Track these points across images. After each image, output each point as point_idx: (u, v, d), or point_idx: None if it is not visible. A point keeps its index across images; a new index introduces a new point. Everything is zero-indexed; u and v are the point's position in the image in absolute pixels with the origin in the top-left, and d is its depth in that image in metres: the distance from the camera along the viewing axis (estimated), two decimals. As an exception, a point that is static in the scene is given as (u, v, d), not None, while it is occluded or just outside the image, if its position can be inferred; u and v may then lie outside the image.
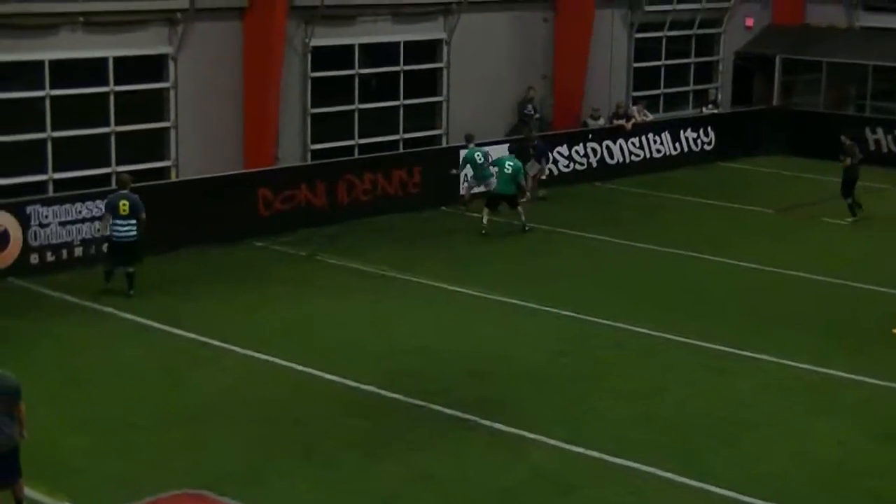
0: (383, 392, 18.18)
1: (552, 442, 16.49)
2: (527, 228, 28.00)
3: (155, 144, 27.75)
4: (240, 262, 25.35)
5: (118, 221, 22.48)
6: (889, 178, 34.18)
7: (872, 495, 15.21)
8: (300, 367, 19.06)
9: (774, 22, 41.56)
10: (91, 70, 26.45)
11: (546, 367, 19.51)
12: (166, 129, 27.78)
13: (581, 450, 16.24)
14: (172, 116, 27.71)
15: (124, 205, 22.45)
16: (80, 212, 24.39)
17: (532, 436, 16.67)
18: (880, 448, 16.63)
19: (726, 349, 20.42)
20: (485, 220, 27.80)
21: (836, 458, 16.29)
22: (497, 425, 17.01)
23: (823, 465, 16.07)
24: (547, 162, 31.87)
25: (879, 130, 37.11)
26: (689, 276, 24.99)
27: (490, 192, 28.74)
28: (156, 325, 21.08)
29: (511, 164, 28.27)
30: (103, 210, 23.07)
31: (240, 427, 16.76)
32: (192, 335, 20.54)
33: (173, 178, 27.61)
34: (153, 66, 27.52)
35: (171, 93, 27.64)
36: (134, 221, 22.48)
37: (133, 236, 22.58)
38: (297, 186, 27.83)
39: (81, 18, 25.94)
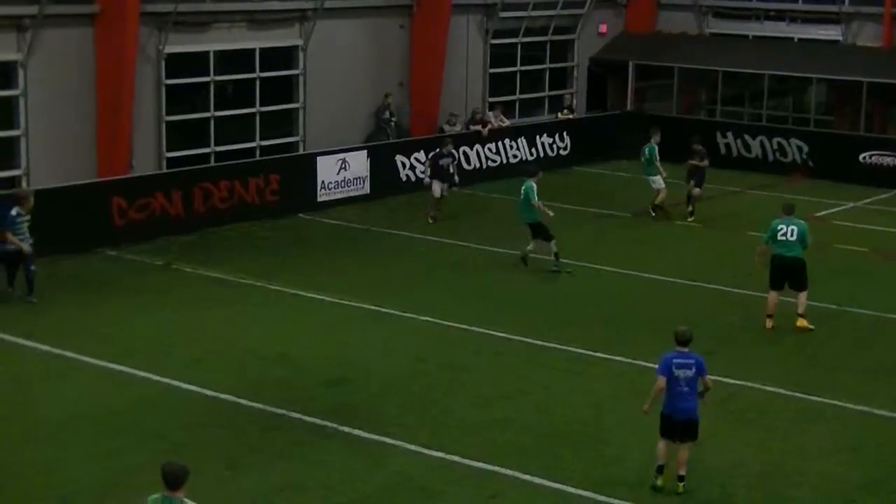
0: (243, 401, 18.03)
1: (412, 447, 16.51)
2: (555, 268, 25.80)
3: (4, 153, 27.19)
4: (94, 272, 24.94)
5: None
6: (740, 181, 34.89)
7: (724, 492, 15.46)
8: (158, 378, 18.82)
9: (627, 29, 42.21)
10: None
11: (405, 373, 19.53)
12: (16, 138, 27.23)
13: (441, 455, 16.29)
14: (22, 124, 27.17)
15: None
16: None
17: (392, 442, 16.68)
18: (733, 446, 16.93)
19: (584, 352, 20.65)
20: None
21: (693, 457, 16.52)
22: (357, 432, 16.99)
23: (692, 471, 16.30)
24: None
25: (729, 135, 37.89)
26: (547, 282, 25.20)
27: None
28: (7, 337, 20.63)
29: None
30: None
31: (95, 441, 16.48)
32: (45, 347, 20.15)
33: (24, 188, 27.04)
34: (2, 73, 26.96)
35: (21, 100, 27.10)
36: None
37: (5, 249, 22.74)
38: (153, 195, 27.48)
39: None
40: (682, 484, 15.31)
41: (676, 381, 15.03)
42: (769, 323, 22.29)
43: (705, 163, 31.07)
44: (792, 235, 22.15)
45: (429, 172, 30.61)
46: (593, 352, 20.62)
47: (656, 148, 30.97)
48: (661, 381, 15.08)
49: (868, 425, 17.94)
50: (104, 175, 27.85)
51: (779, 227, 22.24)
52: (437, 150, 30.74)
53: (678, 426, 15.19)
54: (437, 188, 30.14)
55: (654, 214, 30.88)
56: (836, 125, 38.28)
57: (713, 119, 39.76)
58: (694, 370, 15.03)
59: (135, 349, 20.16)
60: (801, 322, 22.19)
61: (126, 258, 25.88)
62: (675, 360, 15.10)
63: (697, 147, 31.32)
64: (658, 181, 30.89)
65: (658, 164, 30.84)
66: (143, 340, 20.71)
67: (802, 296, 22.28)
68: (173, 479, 11.36)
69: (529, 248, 25.86)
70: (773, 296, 22.35)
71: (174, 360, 19.75)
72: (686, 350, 15.20)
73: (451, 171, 30.50)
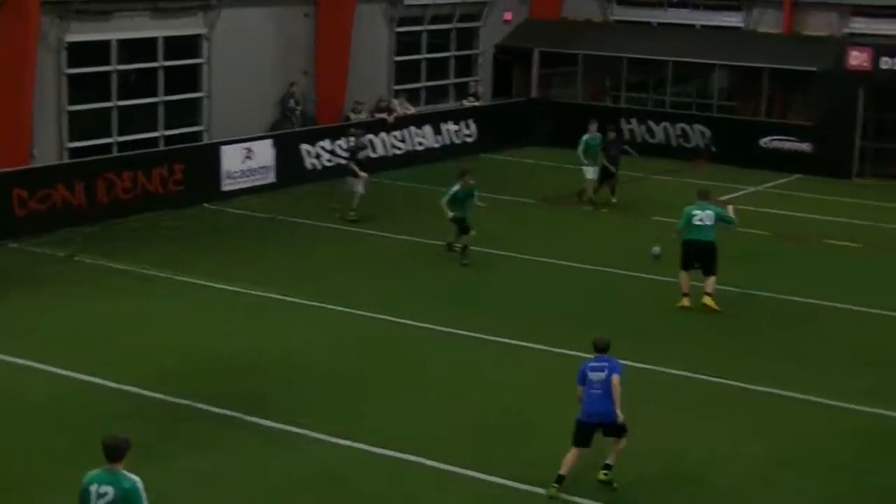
0: (152, 393, 17.86)
1: (323, 437, 16.45)
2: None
3: None
4: (-5, 265, 24.57)
5: None
6: (645, 166, 35.15)
7: (638, 473, 15.61)
8: (62, 372, 18.57)
9: (532, 16, 42.33)
10: None
11: (316, 363, 19.45)
12: (-87, 129, 26.74)
13: (352, 444, 16.25)
14: (-82, 115, 26.68)
15: None
16: None
17: (303, 432, 16.61)
18: (652, 428, 17.05)
19: (499, 339, 20.68)
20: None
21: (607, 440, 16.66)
22: (267, 422, 16.89)
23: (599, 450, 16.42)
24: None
25: (634, 121, 38.22)
26: (457, 269, 25.21)
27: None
28: None
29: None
30: None
31: (2, 437, 16.22)
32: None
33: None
34: None
35: (-83, 90, 26.62)
36: None
37: None
38: (54, 186, 27.08)
39: None
40: (607, 474, 15.20)
41: (590, 384, 15.00)
42: (686, 301, 22.56)
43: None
44: (708, 220, 22.45)
45: (352, 172, 29.15)
46: (509, 340, 20.67)
47: (598, 138, 31.17)
48: (579, 389, 15.08)
49: (779, 407, 18.19)
50: (4, 166, 27.36)
51: (693, 213, 22.56)
52: (353, 144, 30.15)
53: (591, 428, 15.01)
54: (360, 187, 29.12)
55: (582, 200, 31.12)
56: (738, 111, 38.73)
57: (618, 105, 40.02)
58: (606, 372, 14.97)
59: (39, 343, 19.86)
60: (708, 300, 22.47)
61: (28, 250, 25.49)
62: (589, 365, 15.11)
63: (613, 135, 31.86)
64: (590, 171, 30.99)
65: (597, 155, 31.02)
66: (48, 334, 20.43)
67: (712, 279, 22.63)
68: (113, 452, 11.34)
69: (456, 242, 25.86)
70: (685, 275, 22.63)
71: (80, 354, 19.48)
72: (604, 355, 15.17)
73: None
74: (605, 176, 31.43)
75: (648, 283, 24.17)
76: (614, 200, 31.17)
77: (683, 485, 15.45)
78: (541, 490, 14.96)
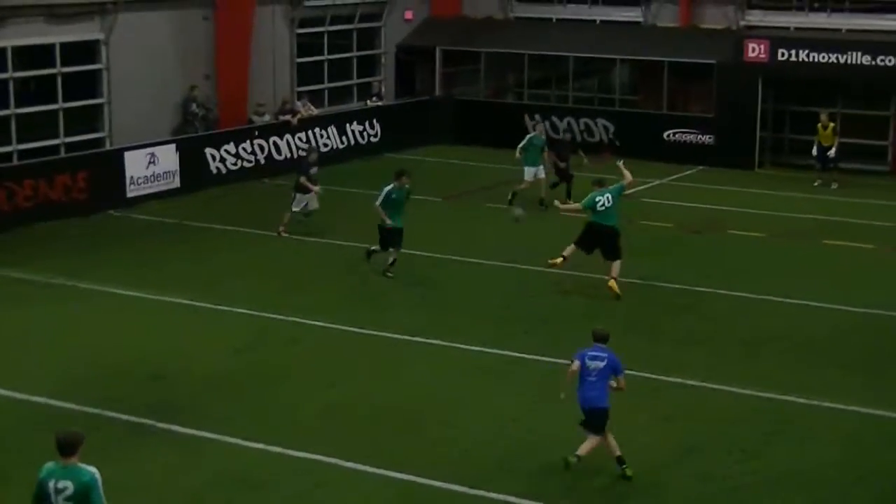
0: (57, 403, 17.66)
1: (235, 440, 16.39)
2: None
3: None
4: None
5: None
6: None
7: (543, 467, 15.71)
8: (-34, 384, 18.31)
9: (433, 14, 42.39)
10: None
11: (225, 366, 19.36)
12: None
13: (265, 446, 16.21)
14: None
15: None
16: None
17: (213, 436, 16.53)
18: (557, 420, 17.20)
19: (401, 337, 20.73)
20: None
21: (518, 434, 16.77)
22: (176, 428, 16.79)
23: (501, 443, 16.52)
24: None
25: (537, 117, 38.34)
26: (362, 268, 25.17)
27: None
28: None
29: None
30: None
31: None
32: None
33: None
34: None
35: None
36: None
37: None
38: None
39: None
40: (574, 460, 15.40)
41: (587, 371, 15.45)
42: (558, 261, 23.28)
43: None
44: (609, 203, 22.93)
45: (301, 188, 27.58)
46: (410, 336, 20.72)
47: (544, 139, 31.15)
48: (576, 364, 15.51)
49: (681, 395, 18.40)
50: None
51: (597, 199, 22.97)
52: (305, 160, 28.71)
53: (587, 414, 15.45)
54: (313, 203, 27.86)
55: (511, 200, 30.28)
56: (640, 104, 39.09)
57: (521, 102, 40.20)
58: (605, 363, 15.43)
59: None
60: (613, 284, 22.72)
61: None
62: (588, 354, 15.55)
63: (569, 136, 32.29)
64: (530, 172, 30.64)
65: (540, 156, 30.79)
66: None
67: (616, 264, 23.01)
68: (68, 447, 11.28)
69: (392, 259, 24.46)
70: (572, 248, 23.28)
71: (-16, 365, 19.23)
72: (602, 346, 15.60)
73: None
74: (562, 178, 30.94)
75: (555, 277, 24.28)
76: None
77: (595, 475, 15.57)
78: (457, 487, 15.03)
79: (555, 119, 38.29)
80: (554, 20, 41.76)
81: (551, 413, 17.43)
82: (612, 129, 37.54)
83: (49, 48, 30.99)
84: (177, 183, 31.50)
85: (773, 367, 19.60)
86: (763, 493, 15.23)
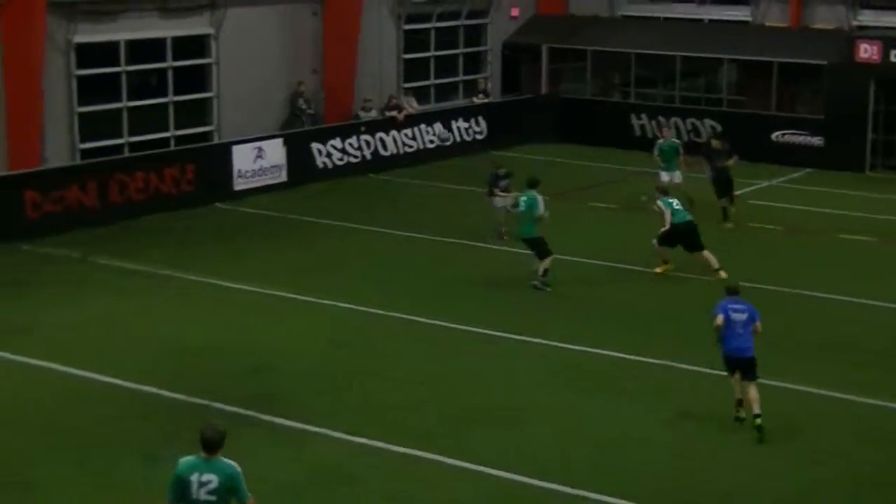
0: (163, 392, 17.94)
1: (333, 434, 16.53)
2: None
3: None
4: (7, 266, 24.62)
5: None
6: (653, 162, 35.06)
7: (637, 468, 15.65)
8: (76, 371, 18.65)
9: (539, 12, 42.31)
10: None
11: (325, 360, 19.52)
12: (-77, 132, 26.85)
13: (362, 440, 16.33)
14: (-69, 118, 26.79)
15: None
16: None
17: (313, 429, 16.68)
18: (652, 423, 17.14)
19: (497, 334, 20.75)
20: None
21: (610, 436, 16.72)
22: (277, 420, 16.97)
23: (597, 443, 16.48)
24: None
25: (643, 116, 38.15)
26: (463, 265, 25.24)
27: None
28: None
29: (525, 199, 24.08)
30: None
31: (13, 436, 16.30)
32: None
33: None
34: None
35: (-71, 93, 26.72)
36: None
37: None
38: (67, 187, 27.18)
39: None
40: (758, 420, 16.43)
41: (734, 325, 16.76)
42: (661, 269, 24.38)
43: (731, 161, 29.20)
44: (679, 204, 24.36)
45: (491, 191, 27.47)
46: (508, 334, 20.73)
47: (676, 144, 30.46)
48: (720, 318, 16.76)
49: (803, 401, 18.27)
50: (16, 168, 27.49)
51: (671, 202, 24.32)
52: (494, 174, 27.91)
53: (735, 363, 16.79)
54: (500, 202, 27.54)
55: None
56: (747, 105, 38.66)
57: (627, 101, 40.00)
58: (747, 314, 16.84)
59: (51, 343, 19.96)
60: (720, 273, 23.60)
61: (41, 252, 25.56)
62: (730, 307, 16.87)
63: (717, 143, 30.07)
64: (665, 175, 29.64)
65: (674, 160, 30.05)
66: (60, 334, 20.51)
67: (706, 253, 24.04)
68: (215, 444, 11.48)
69: (536, 268, 23.75)
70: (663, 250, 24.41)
71: (91, 353, 19.58)
72: (738, 297, 17.03)
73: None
74: (724, 188, 29.14)
75: (649, 277, 24.18)
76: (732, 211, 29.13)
77: (683, 478, 15.51)
78: (554, 486, 15.02)
79: (661, 119, 38.01)
80: (661, 19, 41.48)
81: (650, 415, 17.39)
82: (719, 129, 37.08)
83: (160, 42, 31.44)
84: (283, 177, 31.80)
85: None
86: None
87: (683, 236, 24.24)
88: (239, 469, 11.51)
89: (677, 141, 30.88)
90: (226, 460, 11.51)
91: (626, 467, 15.71)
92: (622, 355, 19.76)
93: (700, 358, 19.04)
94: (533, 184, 24.17)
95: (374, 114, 35.27)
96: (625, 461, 15.88)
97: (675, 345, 20.06)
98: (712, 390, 18.08)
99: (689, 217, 24.43)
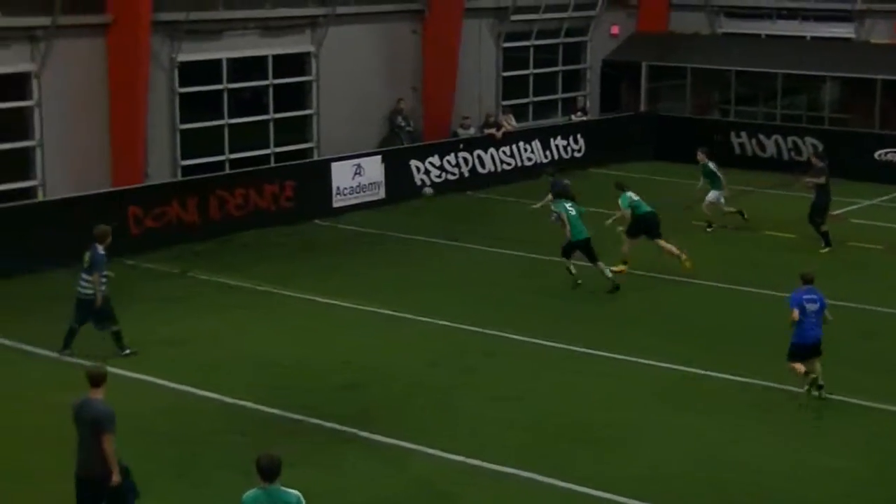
0: (260, 407, 18.09)
1: (429, 451, 16.54)
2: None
3: (20, 164, 27.32)
4: (111, 281, 24.94)
5: (82, 275, 20.19)
6: (754, 180, 34.78)
7: (742, 488, 15.49)
8: (174, 385, 18.88)
9: (639, 29, 42.17)
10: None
11: (421, 376, 19.56)
12: (31, 148, 27.35)
13: (458, 457, 16.32)
14: (37, 135, 27.29)
15: (86, 257, 20.14)
16: (-58, 234, 23.93)
17: (409, 445, 16.71)
18: (741, 441, 16.96)
19: (594, 352, 20.67)
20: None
21: (700, 454, 16.58)
22: (374, 436, 17.02)
23: (689, 461, 16.34)
24: None
25: (743, 134, 37.81)
26: (558, 283, 25.16)
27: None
28: (23, 346, 20.74)
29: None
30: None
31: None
32: (67, 358, 20.18)
33: (40, 198, 27.16)
34: (16, 84, 27.06)
35: (36, 111, 27.22)
36: (90, 278, 20.01)
37: (87, 294, 20.03)
38: (168, 203, 27.56)
39: (-60, 37, 25.47)
40: (822, 390, 18.25)
41: (808, 314, 18.09)
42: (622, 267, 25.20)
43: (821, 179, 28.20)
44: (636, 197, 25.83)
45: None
46: (603, 352, 20.65)
47: (711, 165, 30.04)
48: (795, 312, 18.05)
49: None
50: (119, 184, 27.94)
51: (630, 195, 25.73)
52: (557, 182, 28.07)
53: (809, 349, 18.21)
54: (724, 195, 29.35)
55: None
56: (850, 123, 38.17)
57: (727, 119, 39.69)
58: (819, 304, 18.18)
59: (151, 356, 20.21)
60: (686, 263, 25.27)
61: (143, 266, 25.91)
62: (804, 297, 18.14)
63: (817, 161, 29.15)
64: (713, 195, 29.78)
65: (716, 180, 29.88)
66: (160, 347, 20.76)
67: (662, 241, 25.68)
68: (271, 472, 11.39)
69: (606, 270, 24.60)
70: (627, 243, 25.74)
71: (190, 367, 19.81)
72: (812, 287, 18.31)
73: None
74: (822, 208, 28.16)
75: (761, 297, 23.93)
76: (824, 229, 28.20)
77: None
78: (647, 505, 14.99)
79: (762, 137, 37.65)
80: (763, 36, 41.12)
81: (735, 431, 17.26)
82: (820, 147, 36.66)
83: (262, 60, 31.80)
84: (382, 194, 31.97)
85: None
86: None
87: (647, 226, 25.54)
88: (301, 498, 11.44)
89: (709, 164, 30.26)
90: (287, 490, 11.44)
91: (725, 488, 15.55)
92: (718, 374, 19.57)
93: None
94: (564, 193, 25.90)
95: (472, 131, 35.35)
96: (724, 482, 15.71)
97: (771, 362, 19.78)
98: (818, 408, 17.97)
99: (651, 208, 25.81)
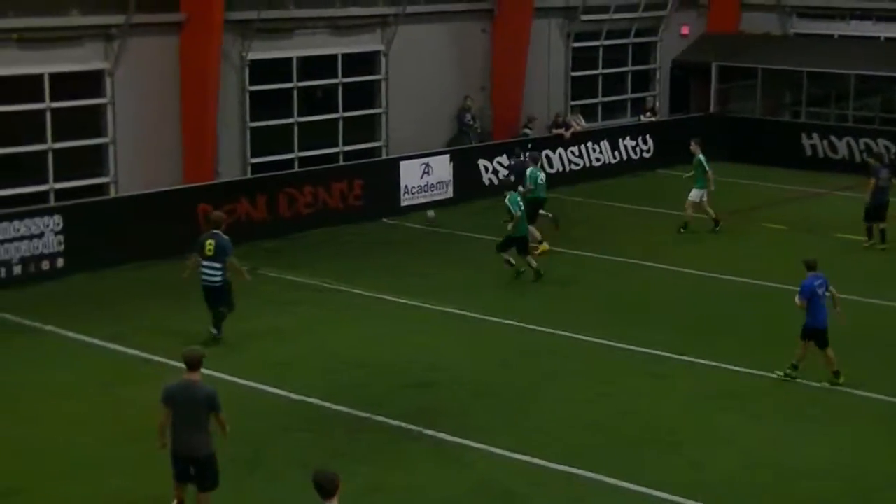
0: (327, 404, 18.17)
1: (496, 451, 16.54)
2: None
3: (93, 161, 27.60)
4: (181, 277, 25.17)
5: (204, 263, 20.81)
6: (826, 182, 34.49)
7: (813, 496, 15.36)
8: (243, 382, 19.00)
9: (710, 30, 41.91)
10: (27, 86, 26.24)
11: (488, 376, 19.55)
12: (104, 145, 27.62)
13: (524, 458, 16.30)
14: (110, 132, 27.55)
15: (210, 245, 20.78)
16: (18, 230, 24.21)
17: (476, 445, 16.71)
18: (819, 449, 16.81)
19: (667, 355, 20.56)
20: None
21: (776, 460, 16.44)
22: (441, 435, 17.04)
23: (763, 467, 16.21)
24: None
25: (815, 136, 37.48)
26: (630, 284, 25.11)
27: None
28: (98, 342, 20.94)
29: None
30: (194, 248, 21.20)
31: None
32: (134, 352, 20.45)
33: (112, 195, 27.44)
34: (90, 82, 27.35)
35: (109, 108, 27.48)
36: (218, 265, 20.75)
37: (215, 281, 20.77)
38: (238, 200, 27.73)
39: (15, 35, 25.74)
40: (841, 378, 18.92)
41: (818, 298, 18.83)
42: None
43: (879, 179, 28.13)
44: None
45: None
46: (678, 355, 20.53)
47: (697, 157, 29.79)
48: (804, 303, 18.80)
49: None
50: (190, 181, 28.16)
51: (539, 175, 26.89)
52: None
53: (822, 332, 18.85)
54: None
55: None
56: (925, 125, 37.73)
57: (798, 120, 39.35)
58: (824, 287, 19.01)
59: (220, 353, 20.29)
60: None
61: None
62: (815, 283, 18.85)
63: (874, 162, 29.01)
64: (694, 193, 29.54)
65: (703, 175, 29.62)
66: (229, 344, 20.90)
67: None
68: (327, 489, 11.37)
69: (532, 261, 25.24)
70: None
71: (258, 363, 19.94)
72: (817, 273, 19.04)
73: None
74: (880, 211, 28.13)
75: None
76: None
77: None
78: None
79: (833, 139, 37.29)
80: (835, 37, 40.72)
81: (815, 438, 17.08)
82: (894, 149, 36.27)
83: (332, 59, 31.92)
84: (450, 193, 32.01)
85: None
86: None
87: (532, 209, 26.39)
88: None
89: (702, 156, 29.98)
90: None
91: (801, 498, 15.42)
92: (803, 381, 19.37)
93: (887, 385, 18.78)
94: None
95: (532, 131, 35.23)
96: (799, 491, 15.57)
97: (860, 369, 19.60)
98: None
99: (543, 195, 27.40)
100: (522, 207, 25.25)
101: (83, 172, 27.35)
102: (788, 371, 19.15)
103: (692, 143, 29.94)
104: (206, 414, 13.90)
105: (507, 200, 25.20)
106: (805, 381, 19.32)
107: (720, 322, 22.59)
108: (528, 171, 27.68)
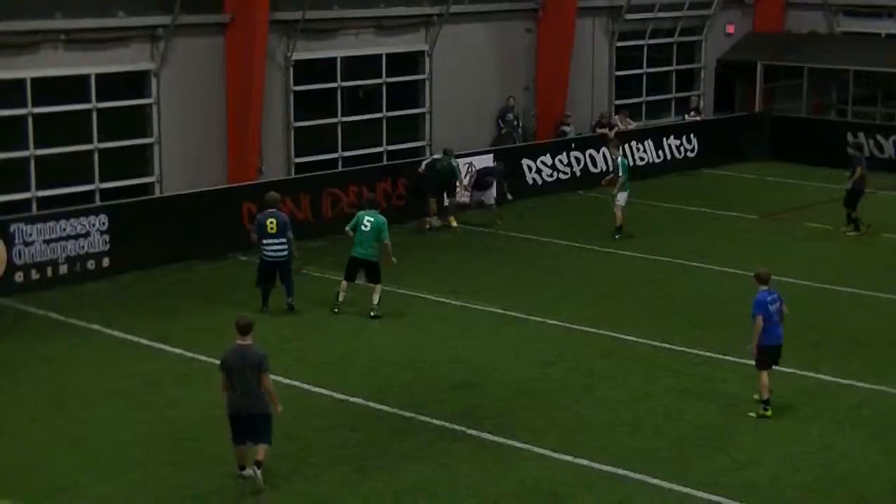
0: (372, 404, 18.19)
1: (540, 451, 16.51)
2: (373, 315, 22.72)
3: (138, 160, 27.74)
4: (225, 277, 25.33)
5: (266, 241, 22.56)
6: (872, 182, 34.14)
7: (860, 499, 15.25)
8: (288, 381, 19.01)
9: (755, 29, 41.70)
10: (73, 87, 26.42)
11: (533, 376, 19.52)
12: (150, 145, 27.76)
13: (569, 458, 16.27)
14: (155, 132, 27.69)
15: (272, 223, 22.51)
16: (64, 229, 24.37)
17: (520, 445, 16.69)
18: (867, 452, 16.68)
19: (712, 355, 20.47)
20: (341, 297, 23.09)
21: (824, 462, 16.34)
22: (485, 435, 17.03)
23: (811, 469, 16.11)
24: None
25: (861, 135, 37.20)
26: (675, 284, 25.03)
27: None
28: (143, 342, 21.05)
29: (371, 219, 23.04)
30: (254, 230, 22.99)
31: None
32: (179, 351, 20.53)
33: (157, 194, 27.58)
34: (136, 83, 27.51)
35: (154, 108, 27.62)
36: (283, 240, 22.51)
37: (283, 255, 22.59)
38: (282, 200, 27.71)
39: (63, 36, 25.92)
40: (769, 411, 17.71)
41: (772, 315, 17.67)
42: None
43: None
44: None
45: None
46: (721, 355, 20.43)
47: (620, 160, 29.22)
48: (760, 320, 17.55)
49: None
50: (235, 181, 28.27)
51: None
52: None
53: (777, 350, 17.80)
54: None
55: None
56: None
57: (844, 119, 39.09)
58: (778, 303, 17.86)
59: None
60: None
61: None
62: (768, 298, 17.64)
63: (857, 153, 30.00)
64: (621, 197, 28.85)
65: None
66: (273, 344, 20.86)
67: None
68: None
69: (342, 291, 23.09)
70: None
71: (303, 363, 19.99)
72: (769, 288, 17.80)
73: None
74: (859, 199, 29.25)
75: (871, 301, 23.56)
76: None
77: None
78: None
79: (880, 138, 37.03)
80: (883, 35, 40.42)
81: (862, 440, 16.95)
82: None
83: (376, 59, 31.96)
84: (493, 193, 31.90)
85: None
86: None
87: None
88: None
89: (625, 159, 29.63)
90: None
91: (847, 500, 15.29)
92: (849, 382, 19.26)
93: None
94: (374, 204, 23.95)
95: (570, 128, 35.12)
96: (845, 493, 15.45)
97: None
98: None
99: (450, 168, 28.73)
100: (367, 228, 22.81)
101: (129, 172, 27.49)
102: (761, 413, 17.75)
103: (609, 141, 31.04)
104: (258, 375, 15.09)
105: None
106: (852, 381, 19.19)
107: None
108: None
